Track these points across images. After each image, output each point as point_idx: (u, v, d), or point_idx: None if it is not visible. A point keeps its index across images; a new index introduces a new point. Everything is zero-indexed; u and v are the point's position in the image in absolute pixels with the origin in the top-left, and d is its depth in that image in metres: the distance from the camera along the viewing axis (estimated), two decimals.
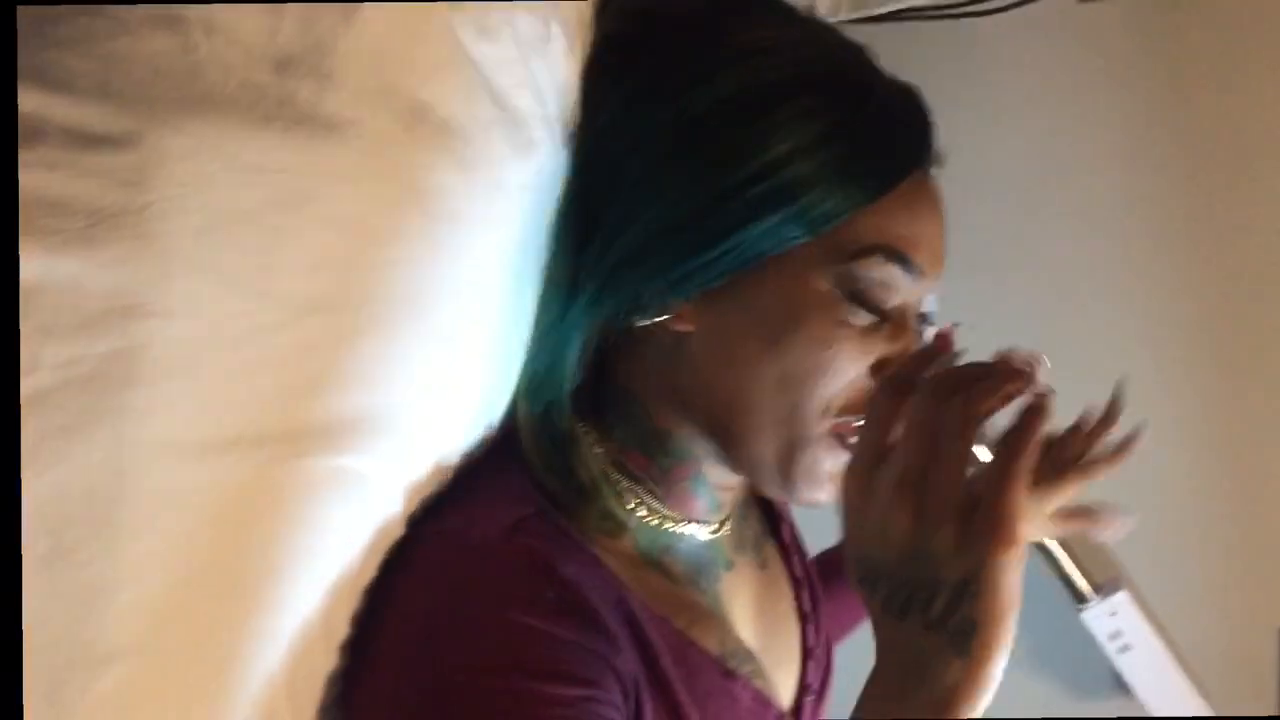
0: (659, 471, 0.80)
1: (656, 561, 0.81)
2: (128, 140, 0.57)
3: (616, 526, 0.79)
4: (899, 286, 0.74)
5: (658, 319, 0.75)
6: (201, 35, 0.59)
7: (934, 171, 0.80)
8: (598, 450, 0.79)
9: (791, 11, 0.82)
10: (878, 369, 0.75)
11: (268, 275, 0.61)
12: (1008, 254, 1.65)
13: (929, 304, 1.49)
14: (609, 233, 0.73)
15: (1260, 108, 1.49)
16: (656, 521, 0.81)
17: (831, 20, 1.50)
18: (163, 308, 0.58)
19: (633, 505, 0.79)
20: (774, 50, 0.74)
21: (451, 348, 0.70)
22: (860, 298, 0.73)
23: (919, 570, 0.61)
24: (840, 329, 0.73)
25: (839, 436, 0.77)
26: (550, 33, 0.72)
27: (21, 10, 0.55)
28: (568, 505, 0.76)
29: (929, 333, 0.79)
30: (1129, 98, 1.54)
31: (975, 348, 1.63)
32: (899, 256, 0.73)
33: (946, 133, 1.60)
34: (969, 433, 0.62)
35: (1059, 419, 1.64)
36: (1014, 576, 0.60)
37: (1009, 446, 0.61)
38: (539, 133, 0.71)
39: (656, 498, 0.80)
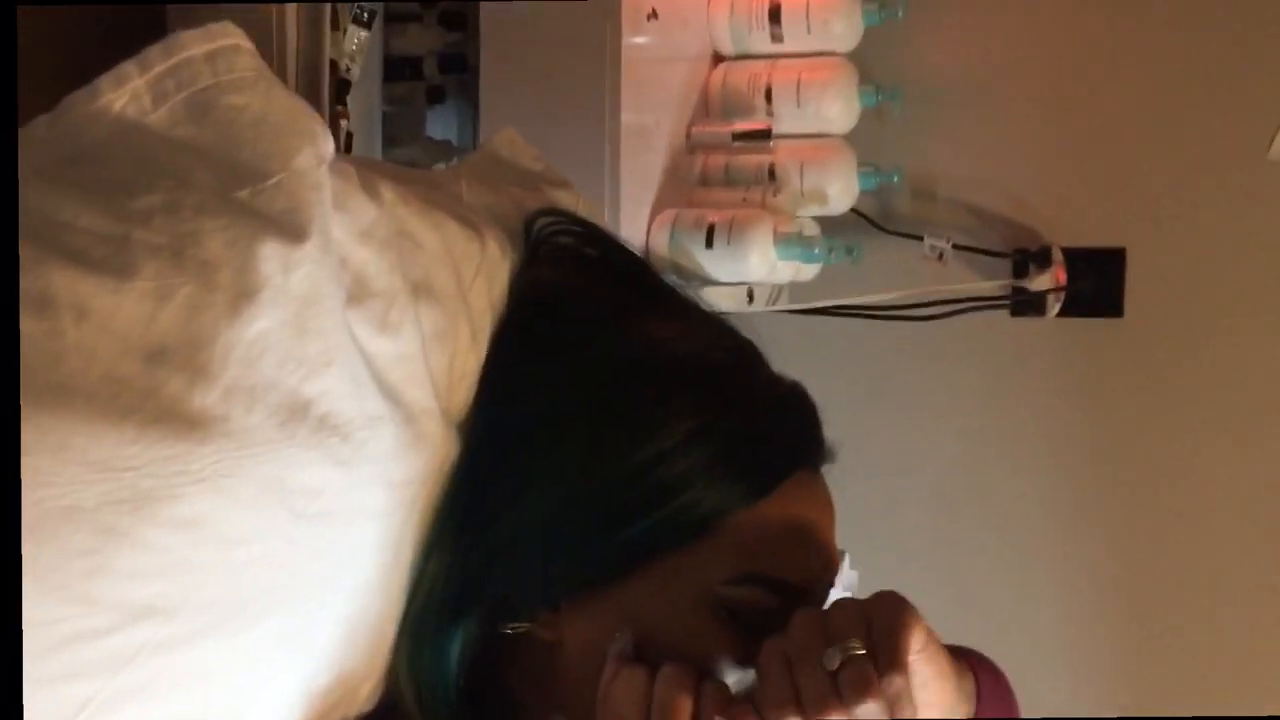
0: None
1: None
2: None
3: None
4: (776, 604, 0.71)
5: (524, 625, 0.70)
6: (71, 322, 0.56)
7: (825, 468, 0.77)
8: None
9: (686, 305, 0.79)
10: None
11: (95, 580, 0.56)
12: (927, 546, 1.66)
13: (844, 586, 1.50)
14: (476, 528, 0.70)
15: (1172, 427, 1.55)
16: None
17: (769, 309, 1.57)
18: None
19: None
20: (654, 346, 0.73)
21: (302, 648, 0.66)
22: (739, 616, 0.68)
23: None
24: (716, 634, 0.68)
25: None
26: (458, 327, 0.70)
27: None
28: None
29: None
30: (1053, 408, 1.59)
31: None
32: (775, 584, 0.68)
33: (877, 427, 1.66)
34: None
35: None
36: None
37: None
38: (430, 426, 0.69)
39: None
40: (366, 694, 0.72)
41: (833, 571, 0.72)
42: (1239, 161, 1.47)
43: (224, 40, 0.65)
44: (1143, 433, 1.56)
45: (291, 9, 1.37)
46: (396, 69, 1.57)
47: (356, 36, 1.48)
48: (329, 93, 1.43)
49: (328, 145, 0.66)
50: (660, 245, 1.44)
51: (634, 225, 1.42)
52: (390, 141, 1.60)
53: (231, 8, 1.44)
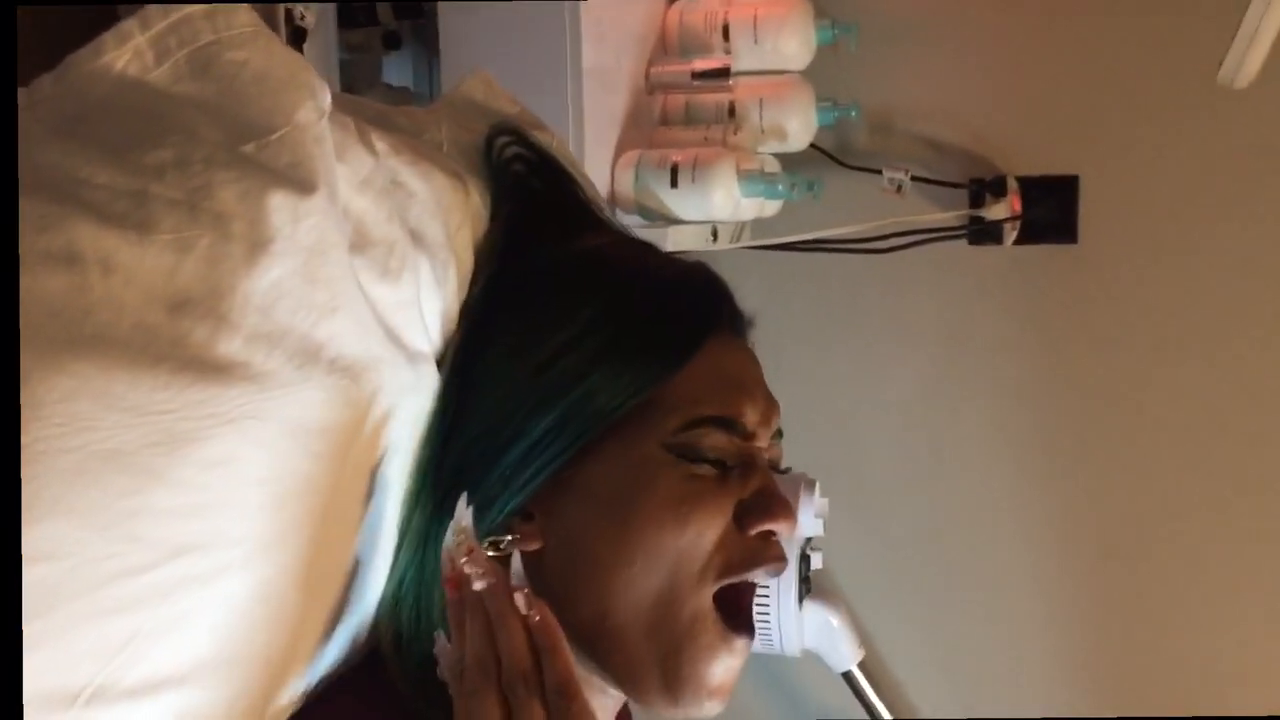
0: None
1: None
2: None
3: None
4: (734, 445, 0.73)
5: (501, 541, 0.71)
6: (98, 275, 0.59)
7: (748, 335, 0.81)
8: None
9: (604, 221, 0.85)
10: (740, 517, 0.74)
11: (137, 518, 0.59)
12: (888, 474, 1.70)
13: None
14: (443, 452, 0.73)
15: (1126, 349, 1.59)
16: None
17: (733, 246, 1.59)
18: (24, 552, 0.56)
19: None
20: (570, 253, 0.78)
21: (322, 581, 0.69)
22: (697, 456, 0.72)
23: None
24: (689, 482, 0.71)
25: (724, 613, 0.72)
26: (448, 275, 0.74)
27: None
28: None
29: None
30: (1011, 334, 1.63)
31: (860, 564, 1.68)
32: (725, 422, 0.72)
33: (840, 358, 1.69)
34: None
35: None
36: None
37: None
38: (426, 369, 0.73)
39: None
40: (354, 626, 0.74)
41: (775, 413, 0.77)
42: (1188, 86, 1.49)
43: None
44: (1098, 356, 1.59)
45: None
46: (351, 15, 1.55)
47: None
48: (284, 41, 1.42)
49: (326, 98, 0.67)
50: (625, 186, 1.45)
51: (598, 167, 1.42)
52: (348, 89, 1.58)
53: None
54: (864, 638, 1.63)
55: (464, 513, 0.65)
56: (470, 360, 0.74)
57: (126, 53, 0.64)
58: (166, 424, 0.59)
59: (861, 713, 1.63)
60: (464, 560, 0.63)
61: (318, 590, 0.70)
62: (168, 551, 0.60)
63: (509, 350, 0.74)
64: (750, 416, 0.74)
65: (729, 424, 0.73)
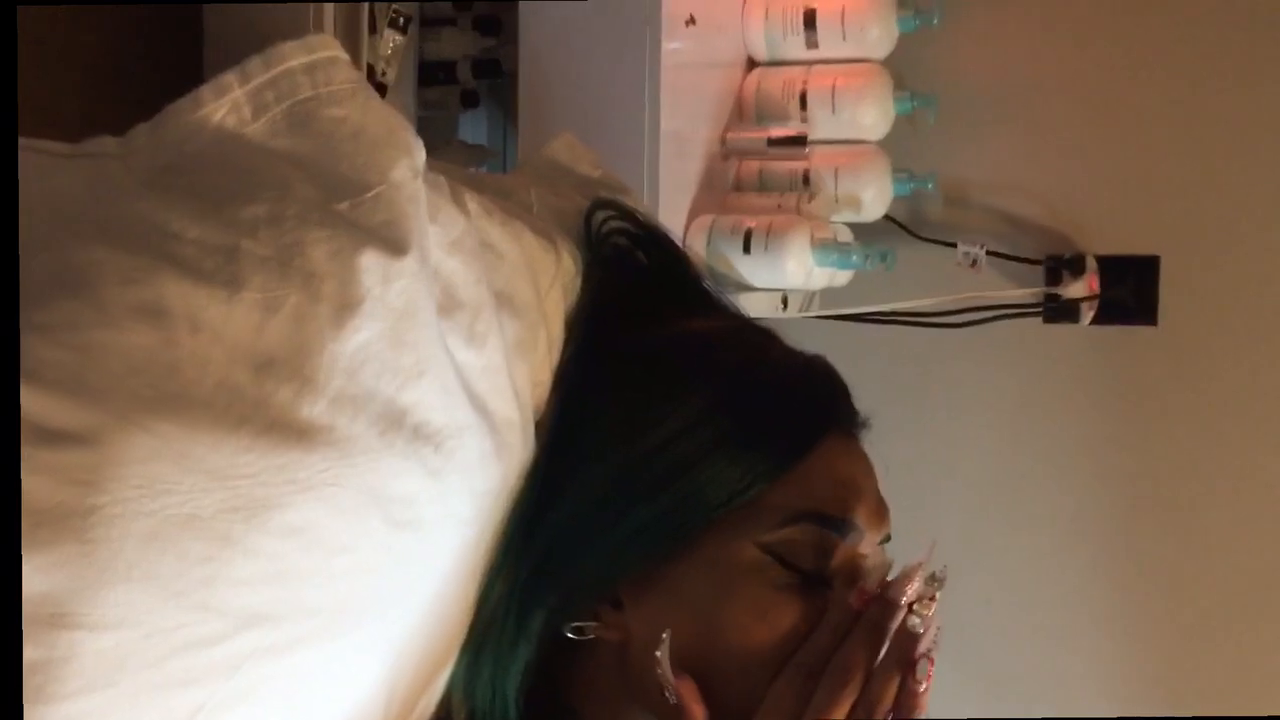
0: None
1: None
2: (90, 437, 0.54)
3: None
4: (838, 547, 0.70)
5: (586, 626, 0.71)
6: (186, 332, 0.57)
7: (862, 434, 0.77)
8: None
9: (717, 304, 0.82)
10: None
11: (211, 586, 0.57)
12: (960, 555, 1.66)
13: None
14: (536, 528, 0.71)
15: (1205, 436, 1.54)
16: None
17: (802, 315, 1.57)
18: (93, 619, 0.54)
19: None
20: (680, 337, 0.76)
21: (395, 654, 0.67)
22: (793, 562, 0.69)
23: None
24: (778, 593, 0.69)
25: None
26: (537, 338, 0.72)
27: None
28: None
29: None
30: (1085, 416, 1.59)
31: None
32: (831, 521, 0.70)
33: (909, 433, 1.66)
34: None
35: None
36: None
37: None
38: (512, 437, 0.70)
39: None
40: (425, 705, 0.72)
41: (885, 519, 0.74)
42: (1275, 168, 1.46)
43: (323, 52, 0.65)
44: (1177, 442, 1.55)
45: (328, 12, 1.37)
46: (431, 73, 1.57)
47: (392, 40, 1.49)
48: None
49: (421, 157, 0.66)
50: (697, 251, 1.44)
51: (670, 231, 1.42)
52: (424, 146, 1.60)
53: (269, 8, 1.44)
54: None
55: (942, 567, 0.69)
56: (568, 436, 0.72)
57: (224, 105, 0.64)
58: (245, 489, 0.57)
59: None
60: (918, 603, 0.68)
61: (406, 664, 0.68)
62: (240, 622, 0.58)
63: (614, 431, 0.72)
64: (860, 519, 0.71)
65: (837, 524, 0.70)
